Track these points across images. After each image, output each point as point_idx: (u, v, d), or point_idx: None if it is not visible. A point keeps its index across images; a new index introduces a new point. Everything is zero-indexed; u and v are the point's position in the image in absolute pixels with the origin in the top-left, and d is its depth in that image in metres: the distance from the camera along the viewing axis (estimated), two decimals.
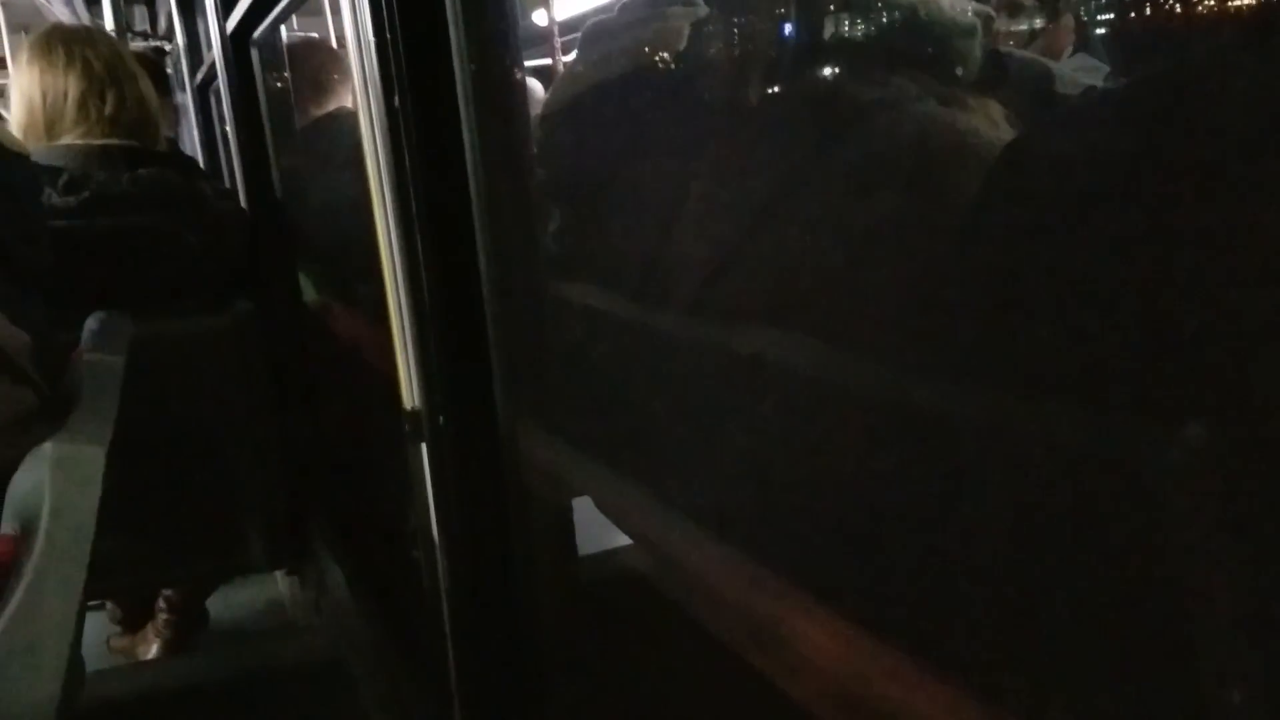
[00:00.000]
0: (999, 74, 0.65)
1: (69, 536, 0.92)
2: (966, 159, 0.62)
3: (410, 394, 1.12)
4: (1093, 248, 0.48)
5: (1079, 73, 0.60)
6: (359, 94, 1.07)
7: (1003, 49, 0.69)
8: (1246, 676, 0.42)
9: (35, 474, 0.99)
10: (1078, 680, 0.50)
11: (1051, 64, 0.64)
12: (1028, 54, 0.69)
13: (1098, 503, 0.47)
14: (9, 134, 1.39)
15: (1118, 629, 0.47)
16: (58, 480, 0.96)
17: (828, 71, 0.75)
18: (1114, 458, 0.46)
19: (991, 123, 0.62)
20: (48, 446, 1.00)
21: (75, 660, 0.94)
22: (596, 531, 1.20)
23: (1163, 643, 0.45)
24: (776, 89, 0.80)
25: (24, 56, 2.04)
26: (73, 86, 2.00)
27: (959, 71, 0.66)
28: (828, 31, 0.78)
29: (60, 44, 2.02)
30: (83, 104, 2.00)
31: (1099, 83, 0.56)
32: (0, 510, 1.04)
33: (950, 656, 0.56)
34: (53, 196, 1.92)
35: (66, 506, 0.94)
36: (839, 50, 0.74)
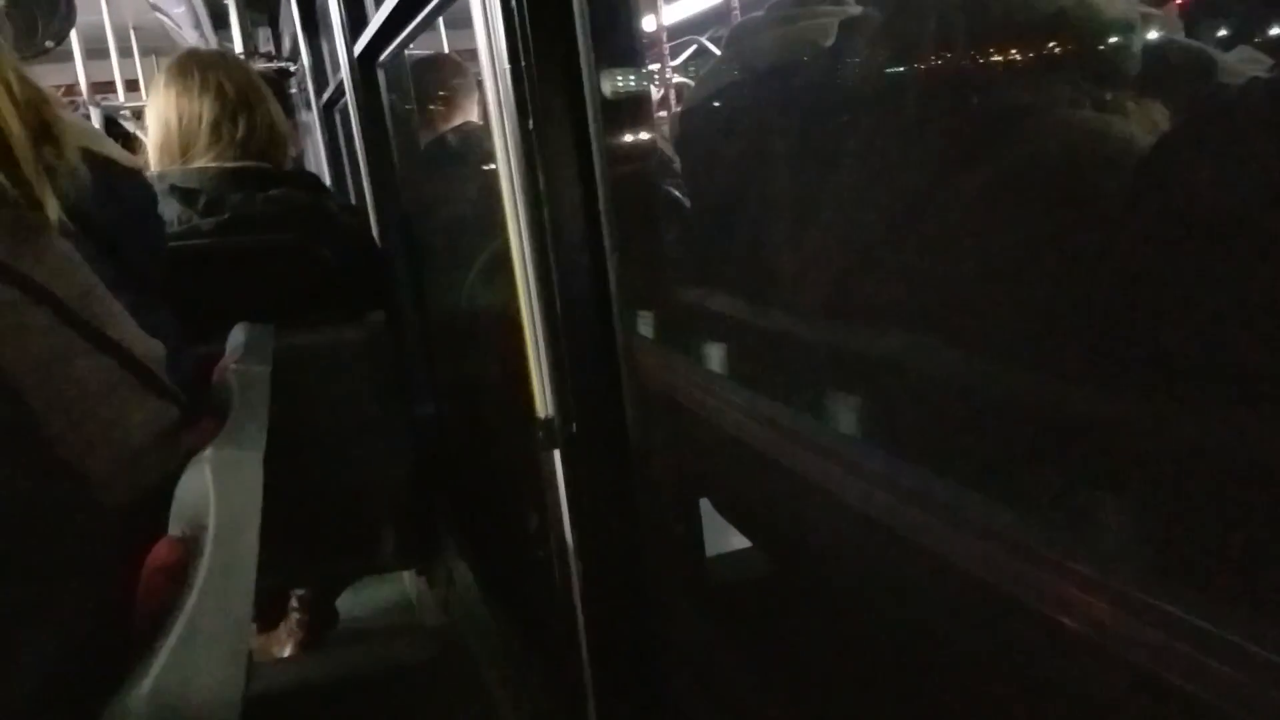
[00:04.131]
0: (1161, 71, 0.62)
1: (236, 537, 0.98)
2: (1120, 169, 0.61)
3: (544, 403, 1.17)
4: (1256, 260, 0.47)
5: (1245, 64, 0.56)
6: (493, 118, 1.12)
7: (1164, 39, 0.65)
8: None
9: (199, 480, 1.05)
10: None
11: (1217, 54, 0.60)
12: (1192, 43, 0.64)
13: None
14: (121, 150, 1.45)
15: None
16: (221, 485, 1.02)
17: (975, 74, 0.74)
18: None
19: (1151, 127, 0.60)
20: (209, 453, 1.06)
21: (248, 654, 1.00)
22: (723, 532, 1.23)
23: None
24: (920, 92, 0.80)
25: (161, 80, 2.13)
26: (207, 110, 2.09)
27: (1118, 71, 0.63)
28: (975, 31, 0.75)
29: (196, 69, 2.11)
30: (216, 127, 2.08)
31: (1264, 74, 0.52)
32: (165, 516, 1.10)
33: None
34: (194, 218, 2.02)
35: (232, 508, 1.00)
36: (987, 51, 0.73)
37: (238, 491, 1.02)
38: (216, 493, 1.01)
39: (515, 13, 1.01)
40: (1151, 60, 0.65)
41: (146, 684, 0.81)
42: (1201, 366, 0.52)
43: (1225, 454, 0.52)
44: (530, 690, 1.66)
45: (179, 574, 0.99)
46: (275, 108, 2.20)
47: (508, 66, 1.03)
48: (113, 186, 1.31)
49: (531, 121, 1.04)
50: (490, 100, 1.11)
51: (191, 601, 0.90)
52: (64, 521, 1.04)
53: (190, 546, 1.01)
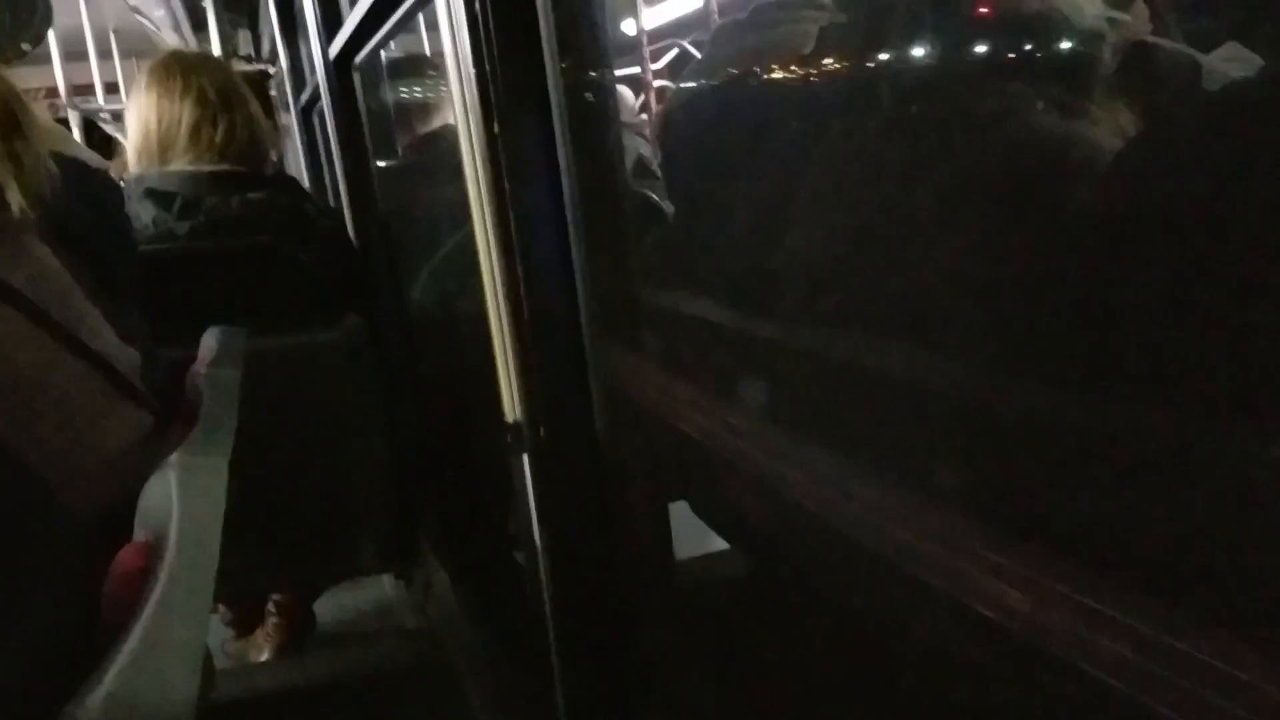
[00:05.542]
0: (1137, 75, 0.61)
1: (197, 543, 0.98)
2: (1083, 177, 0.60)
3: (512, 407, 1.17)
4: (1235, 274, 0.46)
5: (1230, 64, 0.55)
6: (459, 121, 1.12)
7: (1146, 41, 0.63)
8: None
9: (164, 484, 1.05)
10: None
11: (1199, 57, 0.58)
12: (1173, 46, 0.62)
13: None
14: (88, 151, 1.43)
15: None
16: (185, 489, 1.01)
17: (946, 80, 0.73)
18: None
19: (1119, 134, 0.59)
20: (175, 457, 1.06)
21: (208, 659, 0.99)
22: (692, 536, 1.23)
23: None
24: (892, 98, 0.79)
25: (143, 81, 2.10)
26: (187, 113, 2.06)
27: (1090, 75, 0.62)
28: (947, 38, 0.74)
29: (178, 71, 2.09)
30: (195, 130, 2.06)
31: (1252, 75, 0.51)
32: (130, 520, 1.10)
33: None
34: (169, 221, 2.01)
35: (194, 515, 1.00)
36: (960, 57, 0.72)
37: (201, 497, 1.02)
38: (180, 498, 1.01)
39: (480, 16, 1.01)
40: (1128, 66, 0.64)
41: (102, 688, 0.80)
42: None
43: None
44: (505, 692, 1.66)
45: (143, 578, 0.98)
46: (256, 110, 2.18)
47: (473, 71, 1.03)
48: (80, 187, 1.30)
49: (497, 125, 1.04)
50: (455, 104, 1.11)
51: (151, 606, 0.89)
52: (32, 529, 1.03)
53: (155, 551, 1.01)
